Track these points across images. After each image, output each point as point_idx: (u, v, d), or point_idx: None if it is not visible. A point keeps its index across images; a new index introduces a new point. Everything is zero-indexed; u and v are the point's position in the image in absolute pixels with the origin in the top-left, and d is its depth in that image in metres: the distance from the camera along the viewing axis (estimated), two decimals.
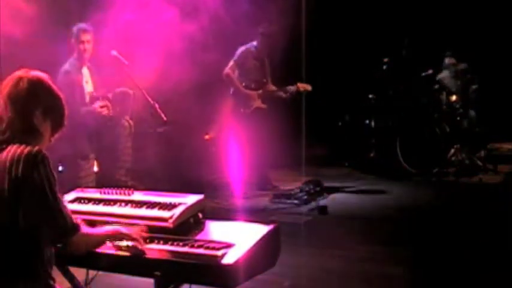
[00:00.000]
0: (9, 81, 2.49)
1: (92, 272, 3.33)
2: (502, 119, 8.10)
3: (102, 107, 5.73)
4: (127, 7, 6.14)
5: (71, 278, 3.27)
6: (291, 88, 6.88)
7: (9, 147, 2.40)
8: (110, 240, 2.84)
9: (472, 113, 7.87)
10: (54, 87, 2.57)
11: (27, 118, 2.45)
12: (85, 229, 2.64)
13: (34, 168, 2.35)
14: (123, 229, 2.90)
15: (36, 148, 2.39)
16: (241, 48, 6.80)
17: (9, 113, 2.44)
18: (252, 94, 6.80)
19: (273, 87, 6.98)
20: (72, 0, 6.39)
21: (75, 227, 2.52)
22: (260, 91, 6.85)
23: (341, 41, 8.70)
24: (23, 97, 2.44)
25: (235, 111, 6.80)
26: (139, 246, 2.85)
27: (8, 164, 2.36)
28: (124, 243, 2.87)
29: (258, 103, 6.84)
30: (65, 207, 2.49)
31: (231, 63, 6.76)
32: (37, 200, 2.38)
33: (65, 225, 2.46)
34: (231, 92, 6.85)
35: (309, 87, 6.94)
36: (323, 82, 8.11)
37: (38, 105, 2.47)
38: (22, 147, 2.38)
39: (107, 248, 3.00)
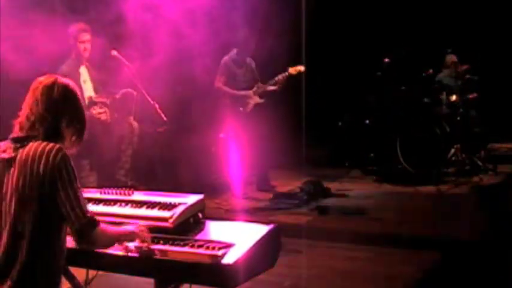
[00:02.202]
0: (42, 84, 2.60)
1: (91, 272, 3.35)
2: (502, 119, 8.09)
3: (100, 113, 5.71)
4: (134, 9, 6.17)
5: (71, 278, 3.28)
6: (279, 77, 6.77)
7: (31, 144, 2.49)
8: (122, 242, 2.87)
9: (473, 112, 7.87)
10: (80, 99, 2.72)
11: (57, 120, 2.57)
12: (103, 226, 2.69)
13: (55, 163, 2.44)
14: (134, 228, 2.93)
15: (58, 145, 2.50)
16: (224, 59, 6.86)
17: (40, 110, 2.54)
18: (247, 93, 6.84)
19: (264, 84, 6.94)
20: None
21: (95, 222, 2.58)
22: (254, 88, 6.87)
23: (341, 41, 8.69)
24: (57, 100, 2.58)
25: (234, 111, 6.80)
26: (150, 247, 2.89)
27: (30, 159, 2.45)
28: (133, 244, 2.89)
29: (255, 99, 6.87)
30: (85, 203, 2.58)
31: (218, 76, 6.83)
32: (59, 194, 2.46)
33: (84, 219, 2.52)
34: (227, 97, 6.88)
35: (301, 68, 6.77)
36: (323, 82, 8.11)
37: (66, 111, 2.61)
38: (44, 143, 2.49)
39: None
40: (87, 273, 3.31)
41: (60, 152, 2.47)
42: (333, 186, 7.05)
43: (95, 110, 5.73)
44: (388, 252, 5.02)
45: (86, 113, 5.49)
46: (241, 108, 6.82)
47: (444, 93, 7.75)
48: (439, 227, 5.56)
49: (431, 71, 7.80)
